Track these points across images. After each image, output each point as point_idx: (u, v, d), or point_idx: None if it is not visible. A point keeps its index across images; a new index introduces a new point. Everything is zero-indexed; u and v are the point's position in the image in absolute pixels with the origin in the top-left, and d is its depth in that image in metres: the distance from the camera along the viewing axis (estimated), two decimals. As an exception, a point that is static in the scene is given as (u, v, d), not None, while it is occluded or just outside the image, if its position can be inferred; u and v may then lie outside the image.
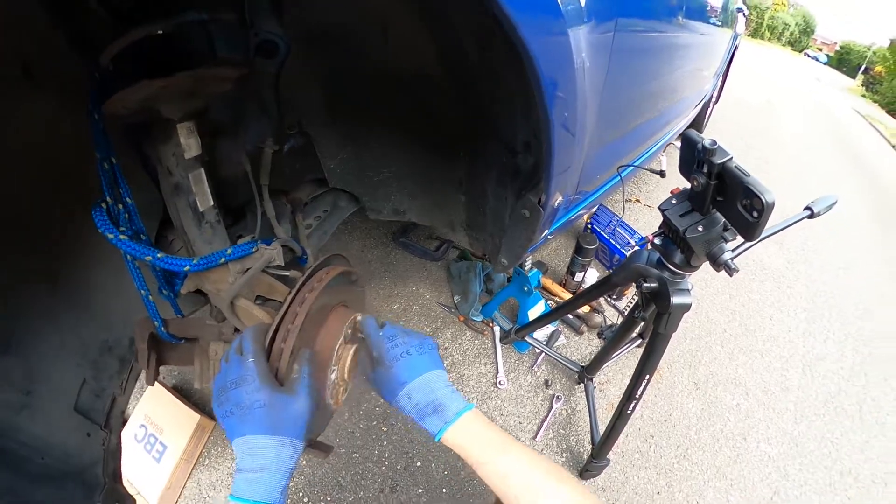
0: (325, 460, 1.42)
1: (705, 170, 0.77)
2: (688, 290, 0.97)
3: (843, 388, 1.92)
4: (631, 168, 1.09)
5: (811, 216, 0.90)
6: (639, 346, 1.82)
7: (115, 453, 0.95)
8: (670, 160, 2.42)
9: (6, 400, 0.77)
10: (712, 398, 1.77)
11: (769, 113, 6.10)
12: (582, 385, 1.66)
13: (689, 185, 0.85)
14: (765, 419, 1.73)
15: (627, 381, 1.75)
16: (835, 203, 0.92)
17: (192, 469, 1.40)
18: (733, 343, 2.04)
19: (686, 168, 0.84)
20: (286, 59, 0.91)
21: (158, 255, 0.76)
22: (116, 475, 0.95)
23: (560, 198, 0.90)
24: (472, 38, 0.73)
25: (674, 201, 0.88)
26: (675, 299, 0.94)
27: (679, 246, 0.91)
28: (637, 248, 2.05)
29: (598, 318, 1.90)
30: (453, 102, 0.89)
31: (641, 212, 2.81)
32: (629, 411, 1.19)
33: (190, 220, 0.81)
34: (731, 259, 0.85)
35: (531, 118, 0.71)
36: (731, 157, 0.76)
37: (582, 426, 1.58)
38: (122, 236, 0.72)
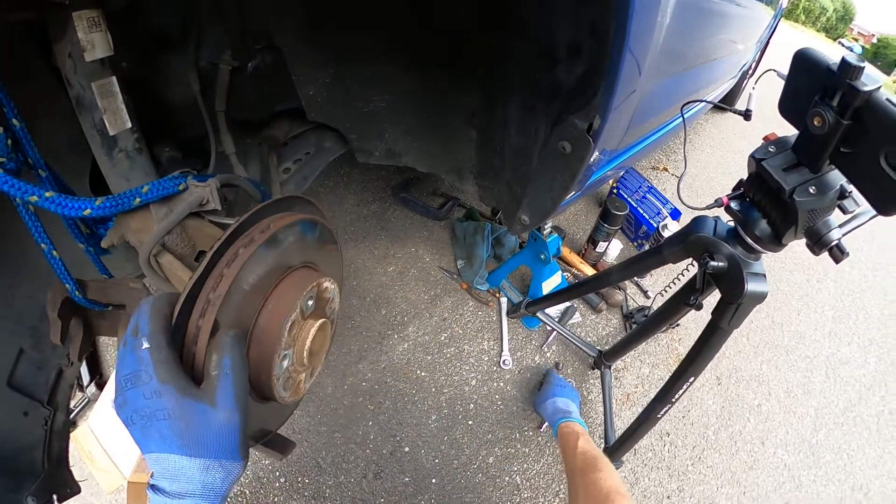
0: (304, 437, 1.27)
1: (836, 102, 0.53)
2: (763, 276, 0.75)
3: (864, 397, 1.79)
4: (697, 107, 0.83)
5: None
6: (663, 331, 1.62)
7: (61, 434, 0.81)
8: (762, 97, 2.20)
9: None
10: (734, 396, 1.61)
11: None
12: (596, 371, 1.47)
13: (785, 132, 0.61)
14: (785, 423, 1.59)
15: (646, 370, 1.60)
16: None
17: None
18: (759, 336, 1.86)
19: (796, 103, 0.60)
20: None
21: (47, 195, 0.52)
22: (61, 459, 0.80)
23: (624, 125, 0.65)
24: None
25: (772, 149, 0.64)
26: (751, 286, 0.72)
27: (767, 213, 0.67)
28: (669, 218, 1.81)
29: (619, 297, 1.69)
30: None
31: (669, 181, 2.56)
32: (659, 415, 0.99)
33: (98, 146, 0.57)
34: (840, 238, 0.62)
35: (588, 3, 0.46)
36: (881, 86, 0.51)
37: (594, 417, 1.41)
38: (-6, 169, 0.49)
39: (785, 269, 2.28)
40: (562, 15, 0.55)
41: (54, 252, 0.63)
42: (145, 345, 0.42)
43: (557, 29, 0.57)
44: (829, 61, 0.54)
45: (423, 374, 1.44)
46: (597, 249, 1.77)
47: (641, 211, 1.89)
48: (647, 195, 1.89)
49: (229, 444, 0.42)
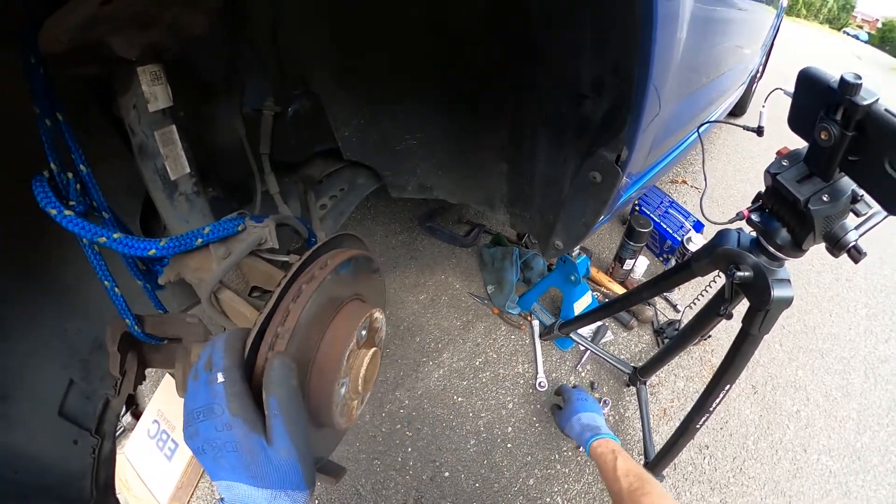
0: (345, 465, 1.29)
1: (839, 117, 0.56)
2: (788, 281, 0.77)
3: (909, 395, 1.73)
4: (708, 125, 0.87)
5: None
6: (695, 343, 1.62)
7: (108, 462, 0.84)
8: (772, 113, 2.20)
9: None
10: (771, 403, 1.58)
11: None
12: (631, 388, 1.47)
13: (797, 145, 0.65)
14: (826, 428, 1.55)
15: (681, 384, 1.59)
16: None
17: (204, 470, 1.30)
18: (792, 341, 1.82)
19: (803, 119, 0.63)
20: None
21: (115, 237, 0.59)
22: (109, 486, 0.83)
23: (647, 152, 0.69)
24: None
25: (785, 163, 0.67)
26: (777, 292, 0.74)
27: (786, 223, 0.70)
28: (693, 231, 1.82)
29: (649, 312, 1.69)
30: (496, 35, 0.68)
31: (689, 194, 2.55)
32: (698, 426, 1.00)
33: (160, 190, 0.64)
34: (858, 239, 0.64)
35: (612, 43, 0.51)
36: (879, 99, 0.55)
37: (632, 434, 1.40)
38: (66, 212, 0.56)
39: (812, 270, 2.23)
40: (586, 55, 0.61)
41: (116, 289, 0.70)
42: (220, 379, 0.46)
43: (582, 68, 0.62)
44: (829, 79, 0.57)
45: (459, 399, 1.46)
46: (624, 267, 1.78)
47: (665, 226, 1.91)
48: (669, 210, 1.91)
49: (292, 478, 0.45)
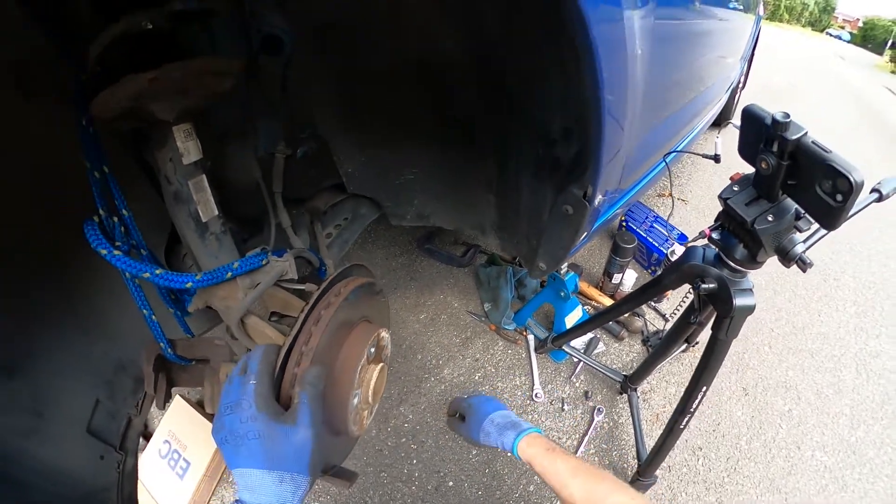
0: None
1: (775, 148, 0.66)
2: (750, 290, 0.86)
3: (902, 387, 1.78)
4: (674, 154, 0.97)
5: (880, 199, 0.79)
6: (683, 350, 1.70)
7: (131, 476, 0.91)
8: (725, 143, 2.29)
9: (13, 424, 0.73)
10: (762, 404, 1.65)
11: (794, 97, 5.80)
12: (624, 395, 1.54)
13: (749, 170, 0.74)
14: (819, 425, 1.61)
15: (672, 389, 1.67)
16: None
17: (216, 486, 1.36)
18: (782, 343, 1.90)
19: (749, 149, 0.73)
20: (293, 56, 0.84)
21: (157, 272, 0.68)
22: (132, 499, 0.91)
23: (611, 188, 0.79)
24: (495, 11, 0.63)
25: (735, 188, 0.77)
26: (739, 301, 0.83)
27: (742, 239, 0.80)
28: (698, 239, 1.92)
29: (638, 323, 1.78)
30: (479, 90, 0.79)
31: (676, 207, 2.66)
32: (682, 427, 1.08)
33: (192, 231, 0.73)
34: (805, 252, 0.74)
35: (572, 100, 0.61)
36: (807, 133, 0.64)
37: (626, 440, 1.47)
38: (115, 252, 0.65)
39: (799, 273, 2.28)
40: (554, 108, 0.71)
41: (153, 317, 0.79)
42: (253, 381, 0.56)
43: (552, 118, 0.73)
44: (766, 117, 0.67)
45: (461, 412, 1.53)
46: (613, 281, 1.87)
47: (650, 239, 2.01)
48: (654, 224, 2.01)
49: (302, 459, 0.54)
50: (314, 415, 0.57)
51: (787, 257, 0.74)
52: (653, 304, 1.90)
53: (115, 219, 0.70)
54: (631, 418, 1.44)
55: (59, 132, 0.67)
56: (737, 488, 1.40)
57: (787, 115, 0.64)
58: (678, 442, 1.43)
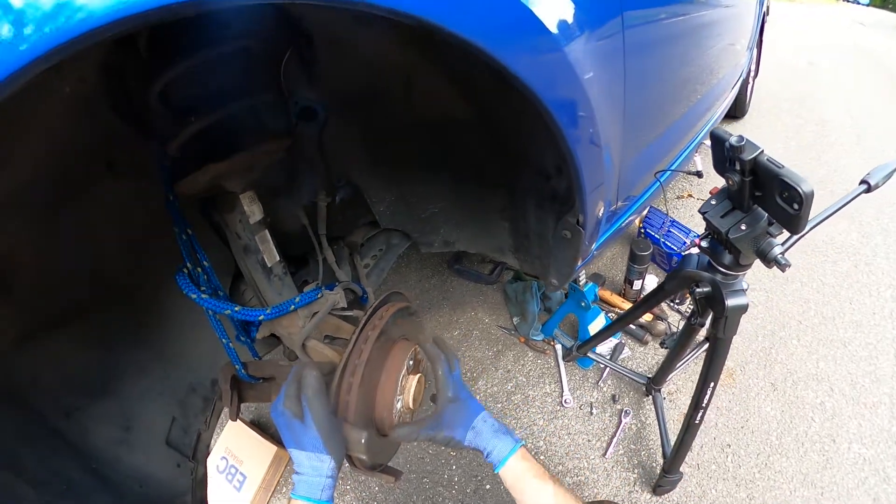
0: (396, 485, 1.47)
1: (737, 167, 0.78)
2: (742, 291, 0.95)
3: (947, 370, 1.70)
4: (668, 173, 1.09)
5: (868, 190, 0.86)
6: (704, 350, 1.76)
7: (202, 483, 1.06)
8: (705, 159, 2.30)
9: (109, 435, 0.89)
10: (792, 398, 1.65)
11: (814, 75, 5.55)
12: (650, 397, 1.62)
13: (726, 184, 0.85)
14: (855, 416, 1.58)
15: (699, 389, 1.73)
16: (895, 170, 0.88)
17: (271, 497, 1.51)
18: (811, 335, 1.87)
19: (719, 167, 0.84)
20: (326, 121, 1.01)
21: (236, 309, 0.85)
22: (204, 503, 1.05)
23: (600, 213, 0.92)
24: (484, 80, 0.78)
25: (713, 202, 0.88)
26: (730, 301, 0.92)
27: (726, 247, 0.90)
28: (691, 248, 1.99)
29: (661, 326, 1.86)
30: (484, 138, 0.94)
31: (696, 207, 2.66)
32: (697, 421, 1.16)
33: (260, 275, 0.91)
34: (782, 254, 0.83)
35: (556, 143, 0.74)
36: (762, 151, 0.75)
37: (653, 440, 1.54)
38: (203, 295, 0.83)
39: (827, 261, 2.24)
40: (547, 151, 0.85)
41: (231, 344, 0.96)
42: (284, 387, 0.76)
43: (546, 158, 0.87)
44: (725, 140, 0.78)
45: (495, 420, 1.64)
46: (634, 288, 1.96)
47: (669, 244, 2.08)
48: (671, 229, 2.09)
49: (317, 442, 0.73)
50: (315, 411, 0.74)
51: (765, 259, 0.84)
52: (675, 306, 1.97)
53: (199, 269, 0.87)
54: (656, 418, 1.51)
55: (134, 203, 0.85)
56: (768, 484, 1.41)
57: (742, 139, 0.75)
58: (706, 440, 1.51)
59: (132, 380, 0.95)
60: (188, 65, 0.72)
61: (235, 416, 1.06)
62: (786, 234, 0.84)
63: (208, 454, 1.51)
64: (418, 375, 0.89)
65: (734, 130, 0.78)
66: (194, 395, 1.07)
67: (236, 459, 1.53)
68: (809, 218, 0.79)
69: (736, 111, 3.43)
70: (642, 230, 2.20)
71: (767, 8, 3.27)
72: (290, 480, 1.48)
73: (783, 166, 0.73)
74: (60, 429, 0.82)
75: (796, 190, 0.70)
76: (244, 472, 1.50)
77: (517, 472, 0.81)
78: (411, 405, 0.87)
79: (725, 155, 0.79)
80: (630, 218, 1.29)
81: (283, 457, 1.54)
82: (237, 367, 0.98)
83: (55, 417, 0.82)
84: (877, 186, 0.87)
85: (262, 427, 1.63)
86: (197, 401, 1.07)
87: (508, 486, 0.83)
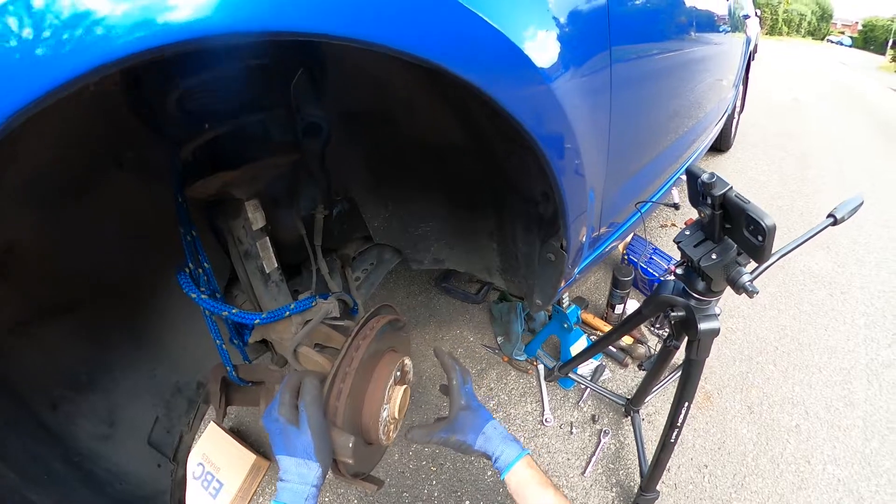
0: (375, 499, 1.49)
1: (709, 202, 0.84)
2: (715, 316, 1.01)
3: (917, 395, 1.77)
4: (649, 204, 1.15)
5: (835, 223, 0.92)
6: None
7: (181, 484, 1.06)
8: (682, 192, 2.39)
9: (93, 430, 0.90)
10: (768, 421, 1.69)
11: (799, 111, 5.82)
12: (629, 418, 1.66)
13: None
14: (830, 439, 1.63)
15: (675, 411, 1.77)
16: (860, 205, 0.93)
17: None
18: (787, 360, 1.94)
19: (694, 200, 0.91)
20: (329, 138, 1.06)
21: (233, 311, 0.89)
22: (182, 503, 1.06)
23: (583, 238, 0.98)
24: (480, 109, 0.84)
25: (687, 232, 0.94)
26: (703, 325, 0.98)
27: (699, 274, 0.96)
28: (668, 275, 2.06)
29: (641, 349, 1.91)
30: (478, 164, 1.00)
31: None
32: (672, 440, 1.20)
33: (258, 280, 0.94)
34: (750, 282, 0.89)
35: (545, 172, 0.79)
36: (731, 188, 0.82)
37: (631, 460, 1.57)
38: (203, 296, 0.86)
39: (805, 289, 2.33)
40: (533, 177, 0.90)
41: (224, 346, 0.99)
42: (278, 394, 0.78)
43: (534, 185, 0.93)
44: (699, 176, 0.84)
45: (477, 436, 1.67)
46: (616, 312, 2.02)
47: (651, 270, 2.14)
48: (653, 256, 2.16)
49: (308, 449, 0.74)
50: (311, 417, 0.76)
51: (735, 286, 0.90)
52: (656, 330, 2.03)
53: (200, 270, 0.91)
54: (634, 438, 1.55)
55: (139, 202, 0.88)
56: None
57: (713, 175, 0.82)
58: (684, 460, 1.54)
59: (120, 376, 0.96)
60: (206, 77, 0.76)
61: (222, 417, 1.08)
62: (753, 263, 0.91)
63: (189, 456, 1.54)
64: (404, 387, 0.93)
65: (719, 163, 0.85)
66: (179, 395, 1.08)
67: (213, 466, 1.52)
68: (777, 248, 0.86)
69: (721, 144, 3.56)
70: (625, 256, 2.27)
71: (755, 46, 3.44)
72: (266, 490, 1.52)
73: (749, 202, 0.80)
74: (46, 419, 0.82)
75: (760, 224, 0.77)
76: (221, 479, 1.49)
77: (522, 477, 0.87)
78: (397, 415, 0.91)
79: (699, 190, 0.86)
80: (612, 244, 1.35)
81: (261, 465, 1.54)
82: (228, 368, 1.01)
83: (42, 408, 0.83)
84: (843, 220, 0.93)
85: (242, 434, 1.64)
86: (181, 402, 1.09)
87: (512, 491, 0.88)
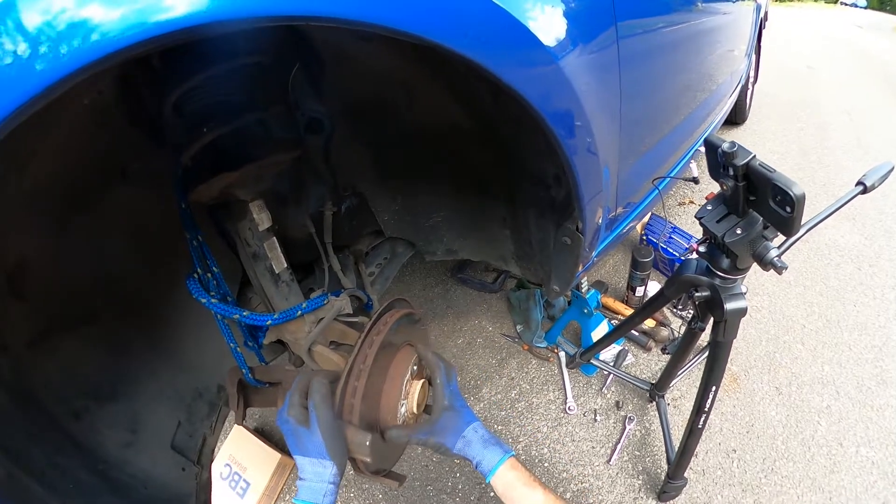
0: (400, 493, 1.49)
1: (731, 172, 0.80)
2: (741, 294, 0.96)
3: (957, 369, 1.69)
4: (666, 180, 1.11)
5: (864, 191, 0.87)
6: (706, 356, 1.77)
7: (205, 487, 1.07)
8: (701, 166, 2.29)
9: (117, 438, 0.91)
10: (798, 402, 1.63)
11: (814, 79, 5.59)
12: (654, 403, 1.63)
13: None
14: (862, 419, 1.57)
15: (701, 395, 1.73)
16: (891, 170, 0.89)
17: None
18: (815, 339, 1.87)
19: (714, 172, 0.86)
20: (332, 133, 1.04)
21: (245, 314, 0.88)
22: None
23: (599, 220, 0.94)
24: (484, 92, 0.81)
25: (709, 207, 0.90)
26: (729, 305, 0.94)
27: (723, 251, 0.92)
28: (691, 253, 2.01)
29: (665, 332, 1.86)
30: (484, 149, 0.97)
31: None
32: (700, 426, 1.16)
33: (268, 281, 0.93)
34: (778, 256, 0.85)
35: (554, 153, 0.76)
36: (754, 156, 0.77)
37: (657, 446, 1.53)
38: (213, 300, 0.85)
39: (831, 264, 2.24)
40: (546, 160, 0.87)
41: (239, 349, 0.98)
42: (289, 395, 0.78)
43: (546, 168, 0.90)
44: (718, 147, 0.80)
45: (499, 427, 1.64)
46: (636, 294, 1.97)
47: (671, 250, 2.09)
48: (673, 235, 2.10)
49: (320, 450, 0.74)
50: (321, 417, 0.75)
51: (762, 262, 0.86)
52: (678, 312, 1.98)
53: (209, 275, 0.90)
54: (660, 424, 1.51)
55: (147, 210, 0.87)
56: (775, 489, 1.40)
57: (734, 144, 0.77)
58: (711, 445, 1.50)
59: (141, 383, 0.97)
60: (201, 78, 0.76)
61: (241, 419, 1.08)
62: (781, 237, 0.86)
63: (213, 459, 1.55)
64: (422, 381, 0.91)
65: (734, 136, 0.80)
66: (200, 400, 1.09)
67: (240, 466, 1.54)
68: (805, 220, 0.82)
69: (736, 117, 3.46)
70: (644, 237, 2.21)
71: (765, 13, 3.30)
72: (293, 488, 1.52)
73: (775, 171, 0.76)
74: (70, 430, 0.83)
75: (788, 193, 0.72)
76: (247, 479, 1.51)
77: (507, 480, 0.82)
78: (415, 410, 0.89)
79: (719, 161, 0.82)
80: (630, 224, 1.31)
81: (286, 464, 1.55)
82: (244, 371, 1.00)
83: (66, 419, 0.83)
84: (873, 187, 0.88)
85: (267, 434, 1.64)
86: (203, 406, 1.09)
87: (499, 494, 0.84)
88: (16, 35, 0.34)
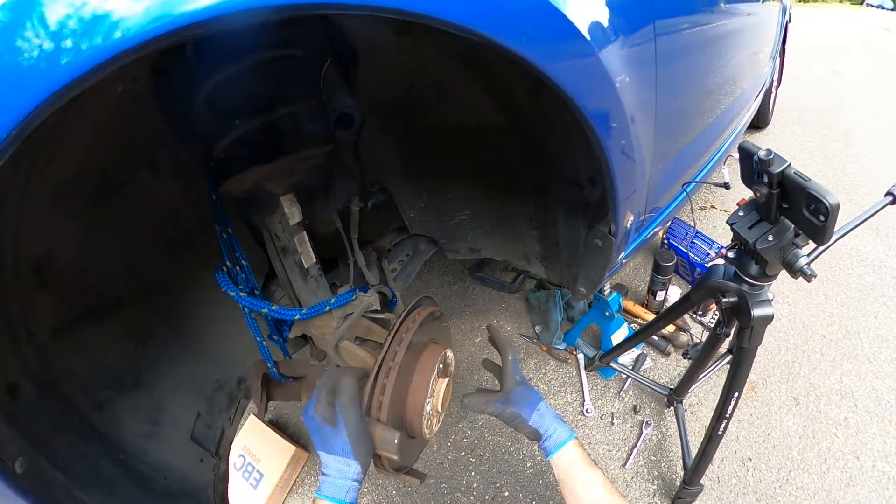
0: (415, 490, 1.50)
1: (766, 180, 0.79)
2: (769, 301, 0.96)
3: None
4: (694, 183, 1.10)
5: (894, 202, 0.86)
6: (729, 362, 1.75)
7: (223, 478, 1.08)
8: (733, 171, 2.28)
9: (138, 428, 0.93)
10: (815, 413, 1.62)
11: (839, 84, 5.41)
12: (671, 408, 1.62)
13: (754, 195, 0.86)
14: (880, 433, 1.55)
15: (719, 401, 1.71)
16: None
17: (287, 496, 1.53)
18: (835, 349, 1.84)
19: (748, 179, 0.86)
20: (362, 128, 1.05)
21: (273, 308, 0.89)
22: (224, 498, 1.07)
23: (629, 223, 0.94)
24: (520, 88, 0.81)
25: (741, 213, 0.89)
26: (756, 311, 0.93)
27: (753, 257, 0.91)
28: (717, 259, 1.99)
29: (684, 338, 1.85)
30: (516, 147, 0.97)
31: (719, 218, 2.64)
32: (720, 432, 1.16)
33: (297, 276, 0.94)
34: (808, 264, 0.84)
35: (593, 154, 0.76)
36: (789, 164, 0.77)
37: (674, 451, 1.53)
38: (241, 293, 0.86)
39: (852, 275, 2.21)
40: (580, 162, 0.87)
41: (265, 342, 0.99)
42: (316, 393, 0.78)
43: (580, 169, 0.89)
44: (754, 154, 0.79)
45: (517, 427, 1.65)
46: (657, 298, 1.96)
47: (692, 255, 2.07)
48: (695, 240, 2.08)
49: (345, 449, 0.75)
50: (347, 417, 0.76)
51: (792, 270, 0.85)
52: (697, 318, 1.97)
53: (237, 268, 0.91)
54: (678, 430, 1.50)
55: (174, 202, 0.88)
56: (789, 500, 1.39)
57: (770, 152, 0.77)
58: (727, 453, 1.50)
59: (162, 375, 0.98)
60: (233, 70, 0.76)
61: (264, 413, 1.09)
62: (811, 245, 0.85)
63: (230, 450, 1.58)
64: (447, 379, 0.91)
65: (757, 141, 0.79)
66: (220, 392, 1.10)
67: (254, 458, 1.56)
68: (834, 230, 0.81)
69: (759, 122, 3.40)
70: (666, 241, 2.19)
71: (790, 15, 3.22)
72: (306, 481, 1.55)
73: (810, 179, 0.75)
74: (92, 420, 0.84)
75: (823, 202, 0.72)
76: (261, 470, 1.53)
77: (572, 457, 0.88)
78: (440, 408, 0.90)
79: (754, 168, 0.81)
80: (656, 228, 1.30)
81: (300, 457, 1.57)
82: (269, 364, 1.01)
83: (89, 409, 0.84)
84: None
85: (281, 426, 1.67)
86: (222, 397, 1.11)
87: (561, 472, 0.88)
88: (39, 29, 0.34)
